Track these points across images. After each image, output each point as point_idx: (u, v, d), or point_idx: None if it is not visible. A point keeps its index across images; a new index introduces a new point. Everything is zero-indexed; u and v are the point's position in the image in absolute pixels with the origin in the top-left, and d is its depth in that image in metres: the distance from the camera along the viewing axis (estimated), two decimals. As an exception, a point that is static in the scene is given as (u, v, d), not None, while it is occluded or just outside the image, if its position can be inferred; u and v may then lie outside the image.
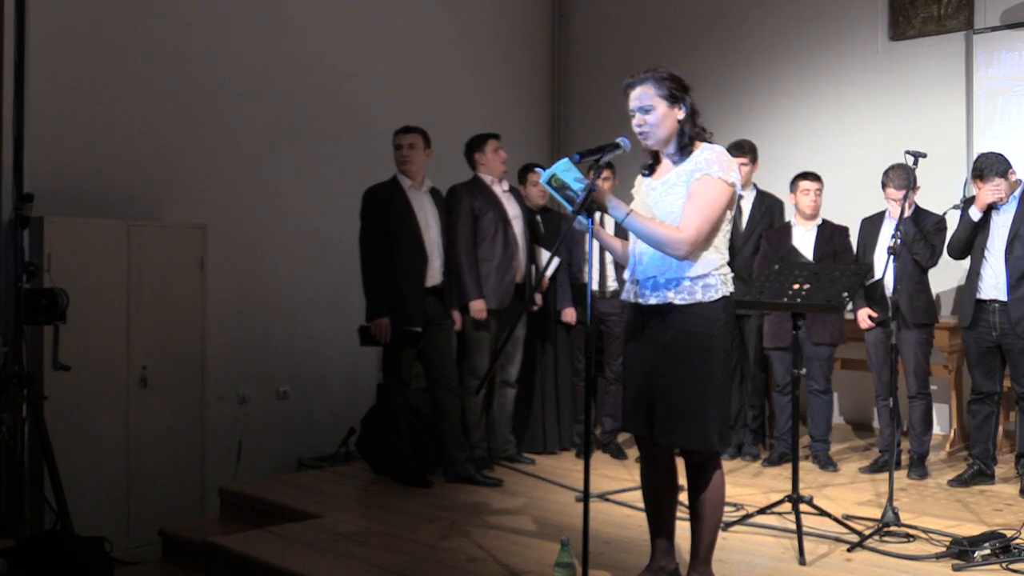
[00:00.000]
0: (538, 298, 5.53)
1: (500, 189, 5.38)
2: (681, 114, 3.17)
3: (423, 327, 5.00)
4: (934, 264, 5.15)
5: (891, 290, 4.47)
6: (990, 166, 4.81)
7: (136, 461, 5.18)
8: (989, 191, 4.81)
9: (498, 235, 5.26)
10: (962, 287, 5.47)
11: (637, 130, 3.21)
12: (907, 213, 4.91)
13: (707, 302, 3.13)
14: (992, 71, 6.12)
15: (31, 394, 4.45)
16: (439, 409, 5.09)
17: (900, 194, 4.99)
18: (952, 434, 5.92)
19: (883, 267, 4.44)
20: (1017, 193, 4.86)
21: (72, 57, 5.36)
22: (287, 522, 4.41)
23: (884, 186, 5.13)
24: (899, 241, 4.22)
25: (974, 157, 5.37)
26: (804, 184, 5.38)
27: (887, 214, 5.25)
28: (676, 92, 3.16)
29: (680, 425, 3.14)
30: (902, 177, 4.98)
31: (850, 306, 5.28)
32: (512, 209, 5.38)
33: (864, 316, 5.21)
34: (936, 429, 5.90)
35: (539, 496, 4.84)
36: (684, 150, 3.20)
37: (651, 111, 3.17)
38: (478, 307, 5.16)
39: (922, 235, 5.07)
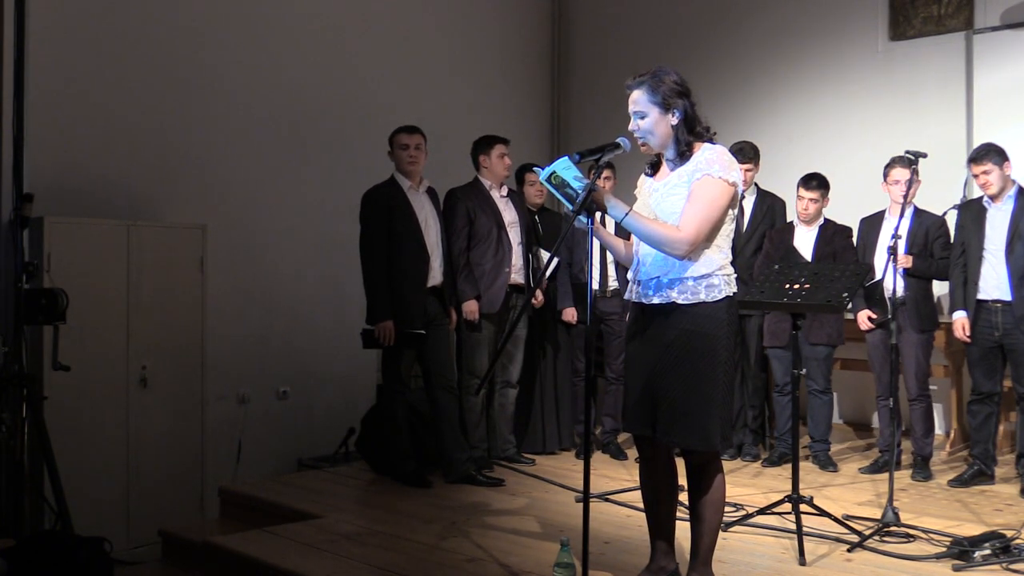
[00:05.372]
0: (539, 294, 5.52)
1: (498, 194, 5.40)
2: (675, 120, 3.16)
3: (423, 327, 5.00)
4: (946, 277, 5.15)
5: (891, 291, 4.46)
6: (986, 152, 4.82)
7: (136, 461, 5.18)
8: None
9: (491, 239, 5.27)
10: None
11: (634, 134, 3.21)
12: (910, 203, 4.90)
13: (711, 302, 3.12)
14: (992, 71, 6.11)
15: (31, 394, 4.44)
16: (438, 409, 5.09)
17: (906, 174, 4.93)
18: (952, 434, 5.92)
19: (883, 268, 4.43)
20: (1013, 192, 4.86)
21: (72, 57, 5.35)
22: (287, 522, 4.40)
23: (887, 176, 5.11)
24: (905, 245, 4.22)
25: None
26: (801, 191, 5.39)
27: (886, 213, 5.25)
28: (670, 98, 3.13)
29: (683, 425, 3.13)
30: (904, 160, 4.94)
31: (850, 306, 5.29)
32: (509, 215, 5.39)
33: (864, 318, 5.21)
34: (936, 429, 5.89)
35: (539, 496, 4.84)
36: (682, 156, 3.19)
37: (644, 117, 3.17)
38: (471, 308, 5.19)
39: (928, 250, 5.09)
